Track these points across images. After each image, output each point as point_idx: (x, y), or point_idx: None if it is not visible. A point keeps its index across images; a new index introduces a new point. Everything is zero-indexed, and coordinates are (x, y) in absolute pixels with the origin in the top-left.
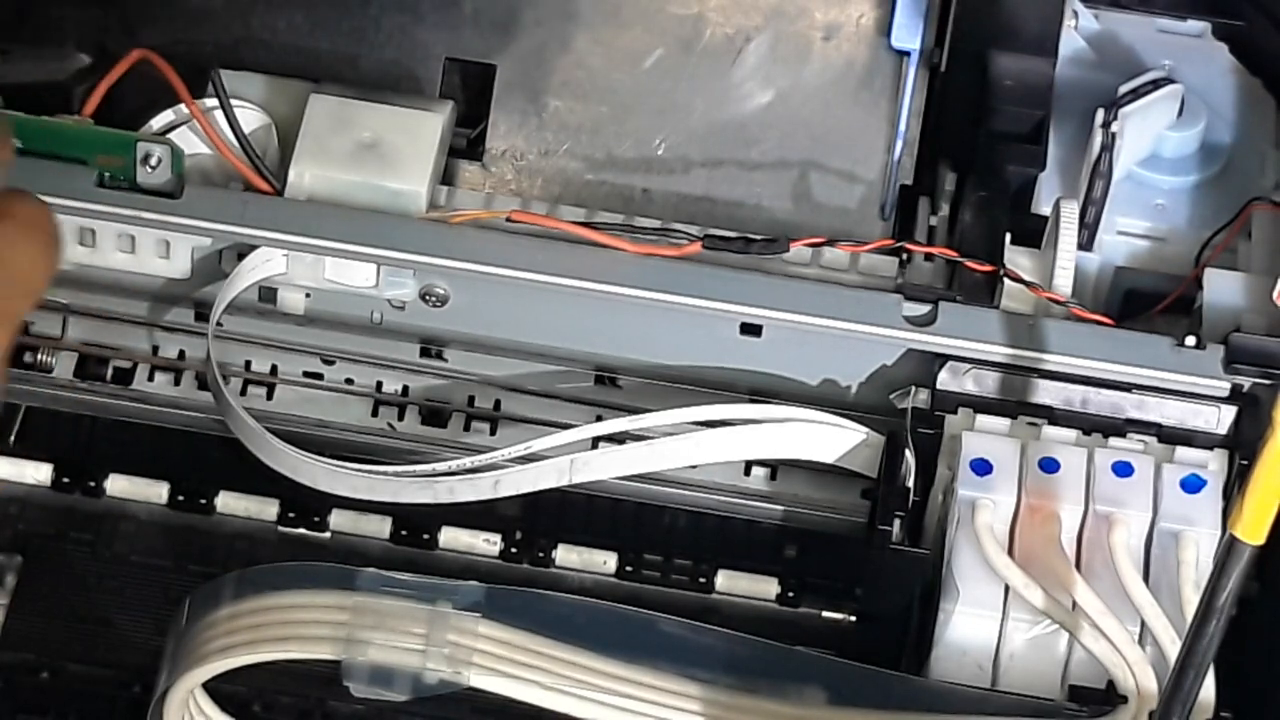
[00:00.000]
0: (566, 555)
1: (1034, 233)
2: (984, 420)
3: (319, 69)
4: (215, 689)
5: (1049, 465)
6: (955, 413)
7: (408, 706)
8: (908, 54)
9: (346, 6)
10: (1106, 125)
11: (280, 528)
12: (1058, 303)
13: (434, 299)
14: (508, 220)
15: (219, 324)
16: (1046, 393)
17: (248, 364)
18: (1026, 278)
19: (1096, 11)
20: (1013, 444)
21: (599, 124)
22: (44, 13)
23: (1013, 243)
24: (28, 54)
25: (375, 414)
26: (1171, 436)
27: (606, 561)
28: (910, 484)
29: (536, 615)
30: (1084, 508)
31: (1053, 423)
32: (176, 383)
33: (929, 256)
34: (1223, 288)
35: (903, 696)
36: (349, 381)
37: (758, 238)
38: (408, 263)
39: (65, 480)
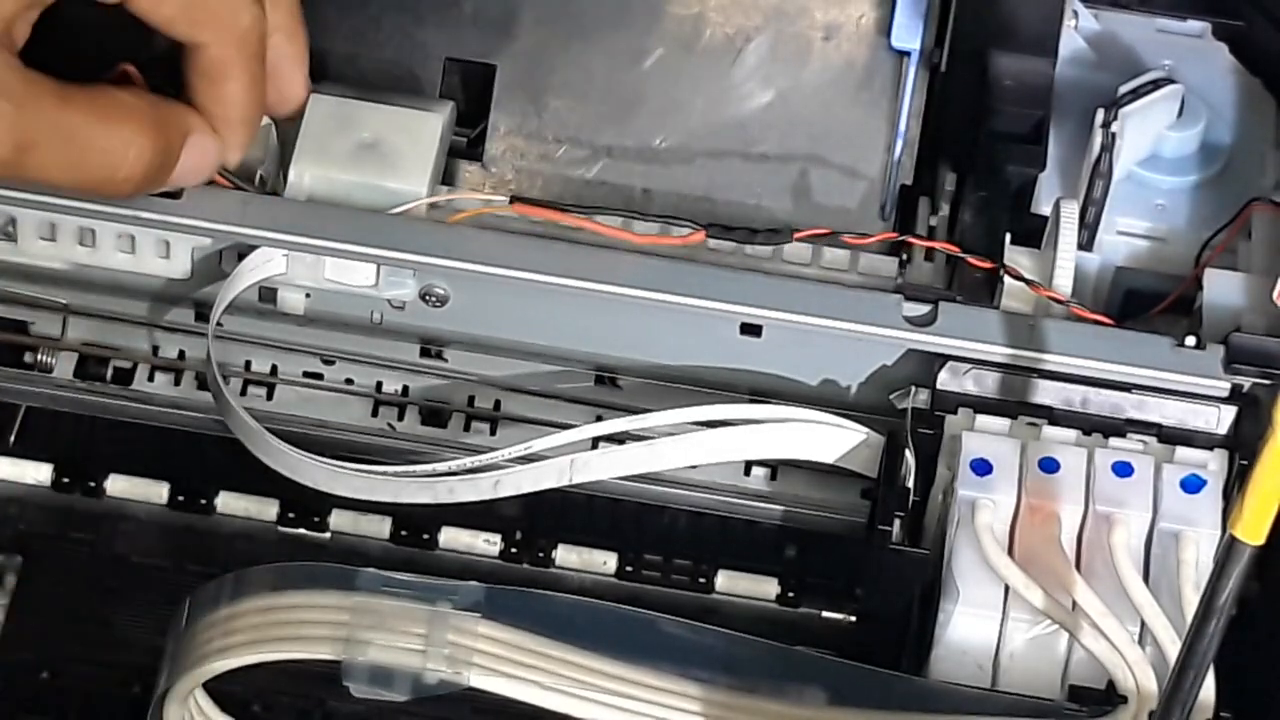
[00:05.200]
0: (566, 555)
1: (1034, 233)
2: (984, 420)
3: (319, 69)
4: (215, 689)
5: (1049, 465)
6: (955, 413)
7: (408, 706)
8: (908, 54)
9: (346, 6)
10: (1106, 125)
11: (280, 528)
12: (1058, 301)
13: (434, 299)
14: (510, 202)
15: (219, 324)
16: (1046, 393)
17: (248, 364)
18: (1026, 275)
19: (1096, 11)
20: (1013, 444)
21: (599, 124)
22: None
23: (1013, 243)
24: None
25: (375, 414)
26: (1171, 436)
27: (606, 561)
28: (910, 484)
29: (536, 615)
30: (1084, 508)
31: (1053, 423)
32: (176, 383)
33: (929, 256)
34: (1223, 288)
35: (903, 696)
36: (349, 381)
37: (761, 230)
38: (408, 263)
39: (65, 480)
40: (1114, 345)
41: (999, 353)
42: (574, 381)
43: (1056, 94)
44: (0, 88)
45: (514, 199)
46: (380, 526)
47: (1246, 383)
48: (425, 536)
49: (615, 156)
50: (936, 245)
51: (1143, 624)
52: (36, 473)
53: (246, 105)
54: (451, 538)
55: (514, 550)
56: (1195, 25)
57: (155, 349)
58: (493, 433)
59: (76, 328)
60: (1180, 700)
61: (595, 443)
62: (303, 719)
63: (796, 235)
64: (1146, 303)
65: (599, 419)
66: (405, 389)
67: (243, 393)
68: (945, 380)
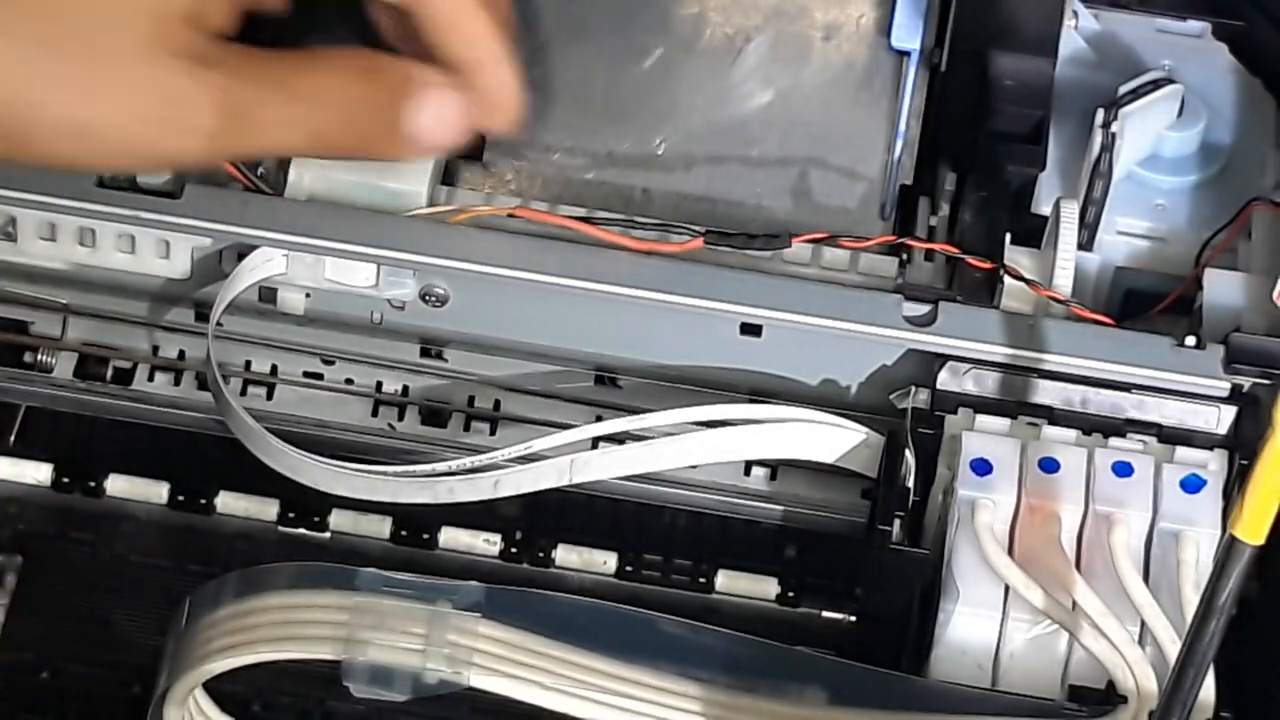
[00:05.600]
0: (566, 555)
1: (1034, 233)
2: (984, 420)
3: None
4: (215, 689)
5: (1049, 465)
6: (955, 413)
7: (408, 706)
8: (908, 54)
9: None
10: (1106, 125)
11: (280, 528)
12: (1058, 301)
13: (434, 299)
14: (509, 216)
15: (219, 324)
16: (1046, 393)
17: (248, 364)
18: (1026, 275)
19: (1096, 11)
20: (1013, 444)
21: (599, 124)
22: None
23: (1013, 243)
24: None
25: (375, 414)
26: (1171, 436)
27: (606, 561)
28: (910, 484)
29: (536, 615)
30: (1084, 508)
31: (1053, 423)
32: (176, 383)
33: (929, 255)
34: (1223, 288)
35: (903, 696)
36: (349, 381)
37: (759, 235)
38: (408, 263)
39: (65, 480)
40: (1114, 345)
41: (999, 353)
42: (574, 381)
43: (1056, 94)
44: (200, 58)
45: (512, 213)
46: (380, 526)
47: (1246, 382)
48: (425, 536)
49: (615, 156)
50: (935, 247)
51: (1143, 624)
52: (36, 473)
53: (494, 40)
54: (451, 538)
55: (514, 550)
56: (1195, 25)
57: (155, 349)
58: (493, 433)
59: (76, 328)
60: (1180, 700)
61: (595, 443)
62: (303, 719)
63: (795, 239)
64: (1146, 303)
65: (599, 419)
66: (405, 389)
67: (243, 393)
68: (945, 380)
